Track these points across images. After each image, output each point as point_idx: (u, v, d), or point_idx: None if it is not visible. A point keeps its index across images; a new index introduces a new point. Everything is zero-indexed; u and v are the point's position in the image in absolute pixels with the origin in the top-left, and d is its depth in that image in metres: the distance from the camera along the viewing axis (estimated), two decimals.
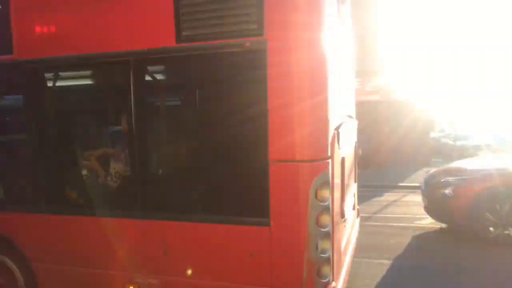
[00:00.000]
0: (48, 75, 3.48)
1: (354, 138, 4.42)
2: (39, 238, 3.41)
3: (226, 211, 2.93)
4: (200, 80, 3.41)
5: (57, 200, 3.45)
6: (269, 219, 2.67)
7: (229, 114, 2.93)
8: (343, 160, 3.12)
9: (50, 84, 3.56)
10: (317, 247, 2.61)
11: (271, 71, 2.56)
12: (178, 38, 2.75)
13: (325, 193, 2.60)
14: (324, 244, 2.66)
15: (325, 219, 2.64)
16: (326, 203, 2.62)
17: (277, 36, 2.55)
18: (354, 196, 4.54)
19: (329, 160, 2.65)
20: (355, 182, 4.66)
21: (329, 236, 2.69)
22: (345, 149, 3.19)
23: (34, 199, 3.45)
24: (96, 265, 3.19)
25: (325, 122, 2.61)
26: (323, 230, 2.63)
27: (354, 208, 4.56)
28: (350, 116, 4.23)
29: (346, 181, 3.34)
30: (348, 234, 3.83)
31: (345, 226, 3.50)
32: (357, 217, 5.01)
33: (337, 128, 2.86)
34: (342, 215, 3.19)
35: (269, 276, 2.72)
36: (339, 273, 3.04)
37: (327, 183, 2.61)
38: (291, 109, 2.55)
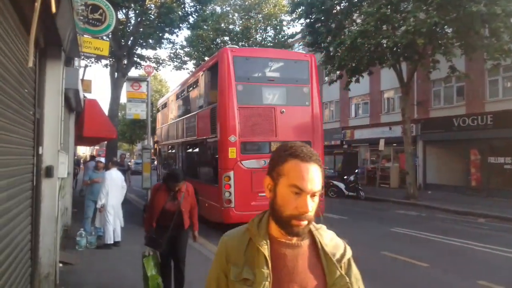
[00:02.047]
0: (202, 140, 11.41)
1: None
2: (198, 188, 8.76)
3: (210, 181, 10.39)
4: (204, 145, 11.31)
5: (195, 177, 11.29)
6: (218, 184, 9.67)
7: (212, 156, 10.58)
8: (252, 170, 9.34)
9: (198, 144, 12.09)
10: (225, 194, 9.31)
11: (219, 148, 9.75)
12: (197, 135, 11.73)
13: (227, 179, 9.34)
14: (227, 194, 9.31)
15: (228, 187, 9.32)
16: (228, 182, 9.32)
17: (219, 137, 9.75)
18: None
19: (232, 170, 9.36)
20: None
21: (230, 192, 9.30)
22: (251, 166, 9.51)
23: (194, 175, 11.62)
24: (205, 197, 10.62)
25: (230, 161, 9.40)
26: (227, 190, 9.32)
27: None
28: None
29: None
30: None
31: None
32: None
33: (239, 161, 9.41)
34: (255, 189, 9.15)
35: (219, 200, 9.48)
36: (244, 208, 9.17)
37: (227, 176, 9.36)
38: (222, 157, 9.56)
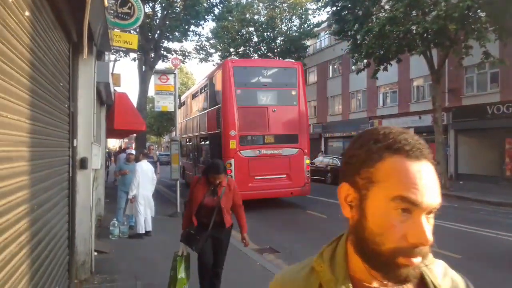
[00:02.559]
0: (211, 134, 14.01)
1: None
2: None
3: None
4: (212, 138, 13.73)
5: (205, 163, 10.50)
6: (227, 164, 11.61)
7: (218, 146, 12.75)
8: (249, 158, 12.01)
9: (208, 137, 14.77)
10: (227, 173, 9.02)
11: (222, 140, 12.24)
12: (207, 130, 14.34)
13: (228, 165, 11.42)
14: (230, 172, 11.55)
15: (229, 172, 11.13)
16: (229, 168, 11.48)
17: (222, 132, 12.27)
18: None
19: (233, 158, 11.81)
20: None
21: (231, 176, 10.41)
22: (248, 155, 12.11)
23: (205, 163, 13.18)
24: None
25: (231, 151, 11.88)
26: (229, 174, 9.11)
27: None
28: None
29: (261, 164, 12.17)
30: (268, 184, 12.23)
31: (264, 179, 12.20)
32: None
33: (238, 151, 11.91)
34: (252, 173, 12.04)
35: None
36: (243, 188, 8.75)
37: (229, 163, 11.56)
38: (225, 148, 12.05)
